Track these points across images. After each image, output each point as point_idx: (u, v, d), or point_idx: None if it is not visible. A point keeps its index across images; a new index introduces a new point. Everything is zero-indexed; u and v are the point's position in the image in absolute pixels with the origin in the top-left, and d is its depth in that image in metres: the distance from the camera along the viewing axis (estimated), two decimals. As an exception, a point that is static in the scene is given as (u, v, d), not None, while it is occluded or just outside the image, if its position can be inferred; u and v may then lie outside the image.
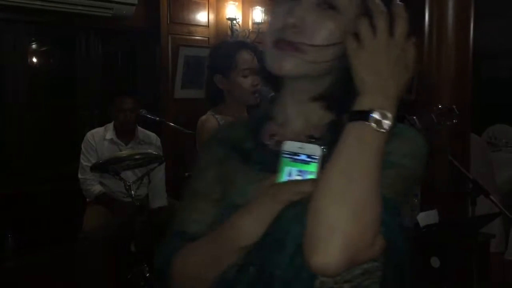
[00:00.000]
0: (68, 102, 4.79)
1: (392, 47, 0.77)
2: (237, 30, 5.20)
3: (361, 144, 0.76)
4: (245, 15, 5.34)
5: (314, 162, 0.81)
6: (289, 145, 0.83)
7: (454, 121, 2.63)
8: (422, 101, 3.55)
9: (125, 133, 3.83)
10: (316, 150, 0.82)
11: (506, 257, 4.33)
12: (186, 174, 3.34)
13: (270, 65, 0.89)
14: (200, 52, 4.76)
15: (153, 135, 3.97)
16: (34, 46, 4.74)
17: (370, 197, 0.75)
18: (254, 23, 5.29)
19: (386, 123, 0.76)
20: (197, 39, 5.10)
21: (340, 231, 0.73)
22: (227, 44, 2.49)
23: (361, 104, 0.77)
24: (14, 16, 4.23)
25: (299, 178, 0.82)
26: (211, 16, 5.18)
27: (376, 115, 0.76)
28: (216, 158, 0.97)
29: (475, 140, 3.87)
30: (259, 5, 5.27)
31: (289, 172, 0.83)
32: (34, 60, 4.75)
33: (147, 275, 2.99)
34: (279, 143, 0.88)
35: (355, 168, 0.75)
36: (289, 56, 0.85)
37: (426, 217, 2.40)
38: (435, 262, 2.34)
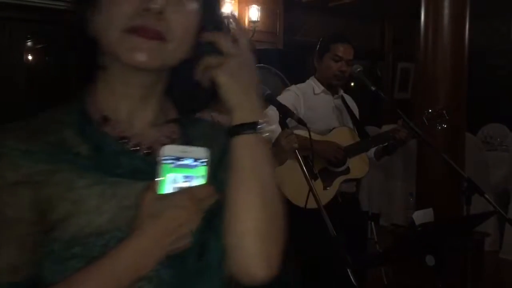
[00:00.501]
0: (65, 100, 4.78)
1: (247, 59, 0.82)
2: (233, 28, 5.19)
3: (263, 155, 0.82)
4: (241, 13, 5.34)
5: (202, 165, 0.76)
6: (170, 150, 0.75)
7: (444, 125, 2.64)
8: (417, 100, 3.57)
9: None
10: (203, 152, 0.76)
11: (500, 256, 4.36)
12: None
13: (122, 54, 0.76)
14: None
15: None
16: (30, 43, 4.73)
17: (281, 202, 0.83)
18: (250, 21, 5.29)
19: (270, 130, 0.83)
20: (194, 38, 5.09)
21: (277, 243, 0.81)
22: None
23: (242, 117, 0.81)
24: (10, 14, 4.22)
25: (187, 184, 0.75)
26: (207, 15, 5.18)
27: (262, 126, 0.81)
28: (26, 175, 0.73)
29: (470, 139, 3.89)
30: (255, 4, 5.29)
31: (174, 179, 0.75)
32: (30, 57, 4.74)
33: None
34: (137, 146, 0.81)
35: (268, 180, 0.82)
36: (150, 45, 0.75)
37: (422, 216, 2.41)
38: (430, 260, 2.35)
